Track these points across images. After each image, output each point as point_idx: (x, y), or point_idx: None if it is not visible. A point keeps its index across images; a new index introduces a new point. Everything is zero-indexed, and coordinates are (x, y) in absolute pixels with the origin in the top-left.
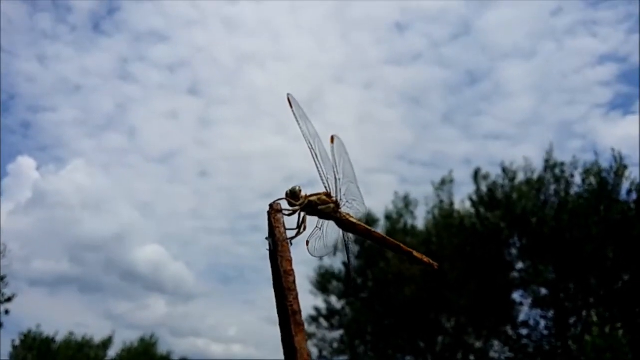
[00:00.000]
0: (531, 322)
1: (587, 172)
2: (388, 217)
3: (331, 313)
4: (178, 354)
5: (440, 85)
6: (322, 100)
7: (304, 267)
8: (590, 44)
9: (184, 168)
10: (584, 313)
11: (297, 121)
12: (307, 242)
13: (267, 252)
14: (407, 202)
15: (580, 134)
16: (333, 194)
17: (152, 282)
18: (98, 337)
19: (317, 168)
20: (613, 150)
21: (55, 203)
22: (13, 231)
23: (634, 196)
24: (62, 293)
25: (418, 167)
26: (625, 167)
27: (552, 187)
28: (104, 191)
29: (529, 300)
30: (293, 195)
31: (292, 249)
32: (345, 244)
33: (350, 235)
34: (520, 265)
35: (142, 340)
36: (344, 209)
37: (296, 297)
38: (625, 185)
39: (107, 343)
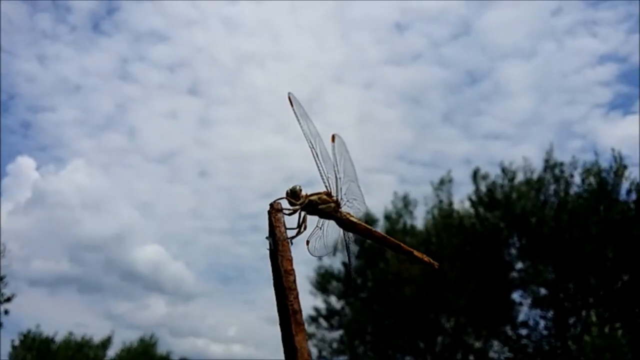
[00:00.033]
0: (531, 322)
1: (586, 172)
2: (387, 217)
3: (331, 313)
4: (178, 354)
5: (440, 85)
6: (322, 100)
7: (303, 267)
8: (590, 44)
9: (183, 168)
10: (584, 313)
11: (298, 120)
12: (308, 242)
13: (267, 252)
14: (406, 202)
15: (580, 134)
16: (333, 193)
17: (152, 282)
18: (98, 338)
19: (318, 167)
20: (613, 150)
21: (55, 203)
22: (13, 231)
23: (633, 196)
24: (62, 293)
25: (418, 167)
26: (625, 167)
27: (552, 187)
28: (103, 191)
29: (529, 301)
30: (293, 195)
31: (292, 248)
32: (346, 244)
33: (351, 234)
34: (519, 265)
35: (141, 340)
36: (344, 208)
37: (297, 297)
38: (625, 185)
39: (106, 343)
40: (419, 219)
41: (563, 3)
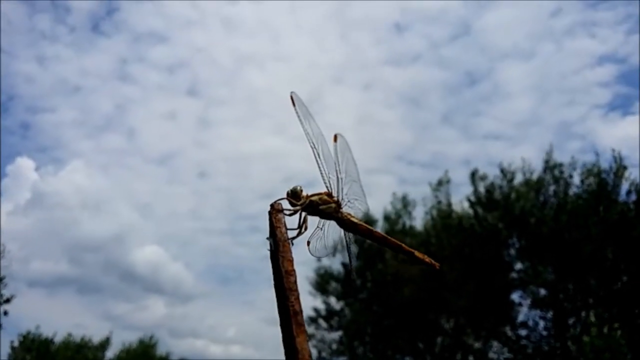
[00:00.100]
0: (530, 323)
1: (586, 173)
2: (386, 217)
3: (330, 314)
4: (177, 354)
5: (440, 86)
6: (322, 100)
7: (303, 268)
8: (589, 45)
9: (183, 169)
10: (583, 313)
11: (300, 120)
12: (308, 243)
13: (267, 253)
14: (405, 203)
15: (579, 135)
16: (334, 194)
17: (151, 282)
18: (97, 338)
19: (319, 167)
20: (613, 150)
21: (54, 204)
22: (12, 232)
23: (633, 197)
24: (61, 294)
25: (417, 168)
26: (625, 167)
27: (551, 188)
28: (103, 192)
29: (528, 301)
30: (294, 195)
31: (292, 249)
32: (346, 244)
33: (351, 235)
34: (519, 265)
35: (141, 341)
36: (345, 209)
37: (297, 298)
38: (625, 186)
39: (105, 344)
40: (418, 220)
41: (562, 4)
